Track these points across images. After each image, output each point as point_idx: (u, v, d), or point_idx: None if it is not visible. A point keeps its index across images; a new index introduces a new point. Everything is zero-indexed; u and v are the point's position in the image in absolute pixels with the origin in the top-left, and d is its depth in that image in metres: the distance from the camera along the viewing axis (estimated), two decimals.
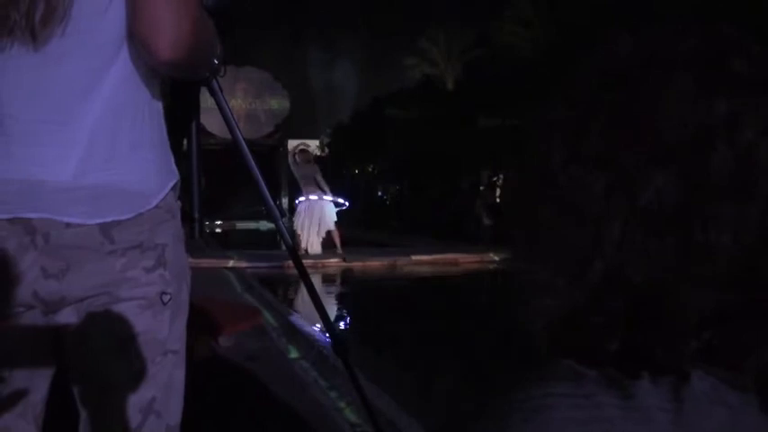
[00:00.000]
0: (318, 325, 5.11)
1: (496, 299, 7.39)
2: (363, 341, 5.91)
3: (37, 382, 1.21)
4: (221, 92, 1.61)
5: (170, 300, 1.20)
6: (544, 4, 17.36)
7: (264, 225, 20.36)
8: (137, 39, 1.11)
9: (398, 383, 4.21)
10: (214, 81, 1.58)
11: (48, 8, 1.08)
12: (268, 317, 5.64)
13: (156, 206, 1.18)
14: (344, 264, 10.31)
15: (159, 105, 1.22)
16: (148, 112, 1.19)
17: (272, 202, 1.71)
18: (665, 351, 0.51)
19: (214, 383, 3.50)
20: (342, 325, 6.40)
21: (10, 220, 1.10)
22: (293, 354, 4.53)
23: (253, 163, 1.68)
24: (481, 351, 5.22)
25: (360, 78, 30.84)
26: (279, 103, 23.07)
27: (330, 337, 1.90)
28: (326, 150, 26.03)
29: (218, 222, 21.86)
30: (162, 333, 1.19)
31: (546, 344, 0.56)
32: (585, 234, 0.52)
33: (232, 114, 1.64)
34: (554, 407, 0.51)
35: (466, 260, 10.55)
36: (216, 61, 1.41)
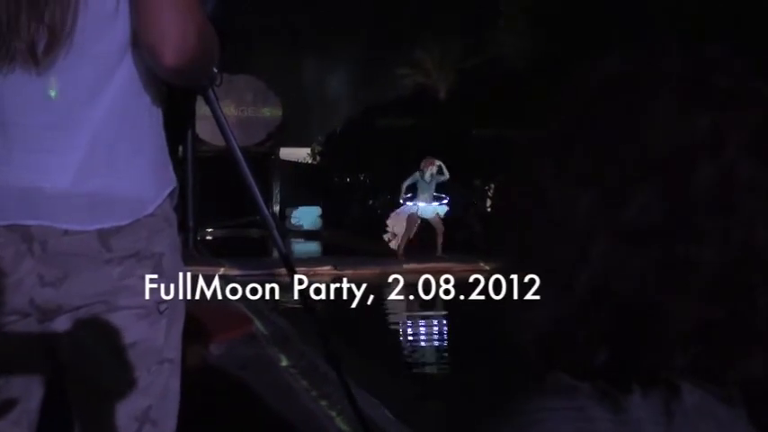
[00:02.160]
0: (309, 333, 5.10)
1: (488, 309, 7.37)
2: (355, 350, 5.90)
3: (32, 390, 1.20)
4: (217, 100, 1.62)
5: (167, 308, 1.20)
6: (537, 15, 17.45)
7: (256, 233, 20.29)
8: (143, 45, 1.11)
9: (391, 393, 4.21)
10: (210, 90, 1.59)
11: (51, 36, 1.07)
12: (258, 325, 5.62)
13: (153, 213, 1.18)
14: (336, 272, 10.30)
15: (159, 112, 1.23)
16: (148, 118, 1.20)
17: (266, 211, 1.72)
18: (653, 364, 0.51)
19: (204, 391, 3.49)
20: (334, 334, 6.37)
21: (8, 227, 1.10)
22: (284, 362, 4.52)
23: (248, 171, 1.68)
24: (474, 362, 5.22)
25: (353, 87, 30.87)
26: (271, 111, 23.01)
27: (323, 345, 1.90)
28: (318, 158, 26.00)
29: (209, 230, 21.77)
30: (158, 342, 1.19)
31: (535, 356, 0.57)
32: (571, 248, 0.53)
33: (228, 123, 1.65)
34: (547, 420, 0.52)
35: (458, 269, 10.54)
36: (215, 69, 1.42)
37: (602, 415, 0.51)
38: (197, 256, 10.97)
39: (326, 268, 10.36)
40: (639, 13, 10.47)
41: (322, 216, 21.53)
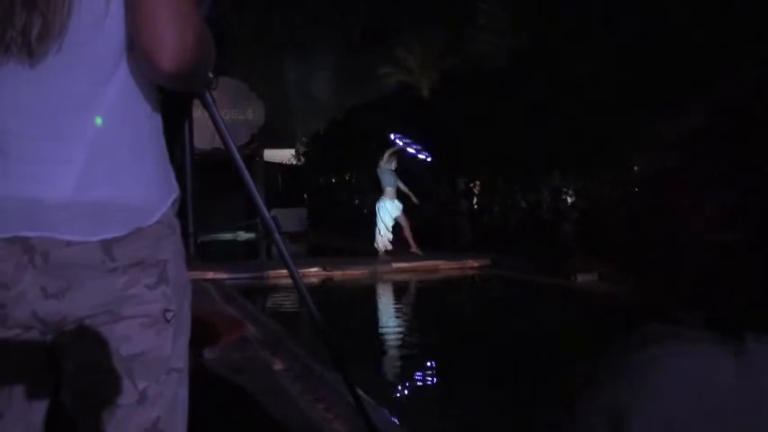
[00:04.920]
0: (303, 336, 5.09)
1: (481, 306, 7.41)
2: (352, 352, 5.88)
3: (36, 404, 1.18)
4: (215, 104, 1.60)
5: (173, 317, 1.18)
6: (518, 13, 17.50)
7: (242, 236, 20.21)
8: (139, 50, 1.09)
9: (389, 395, 4.20)
10: (207, 94, 1.57)
11: (44, 25, 1.06)
12: (251, 328, 5.59)
13: (158, 222, 1.16)
14: (325, 273, 10.26)
15: (159, 118, 1.21)
16: (148, 126, 1.18)
17: (267, 213, 1.69)
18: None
19: (199, 395, 3.45)
20: (336, 335, 6.35)
21: (8, 240, 1.07)
22: (278, 365, 4.49)
23: (247, 175, 1.66)
24: (469, 360, 5.23)
25: (336, 87, 30.85)
26: (255, 113, 22.95)
27: (327, 347, 1.89)
28: (302, 159, 25.93)
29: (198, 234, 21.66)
30: (165, 351, 1.17)
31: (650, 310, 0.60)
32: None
33: (226, 126, 1.62)
34: (662, 366, 0.53)
35: (446, 267, 10.55)
36: (210, 74, 1.40)
37: (724, 362, 0.52)
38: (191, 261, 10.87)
39: (315, 269, 10.32)
40: (618, 10, 10.53)
41: (308, 217, 21.48)
